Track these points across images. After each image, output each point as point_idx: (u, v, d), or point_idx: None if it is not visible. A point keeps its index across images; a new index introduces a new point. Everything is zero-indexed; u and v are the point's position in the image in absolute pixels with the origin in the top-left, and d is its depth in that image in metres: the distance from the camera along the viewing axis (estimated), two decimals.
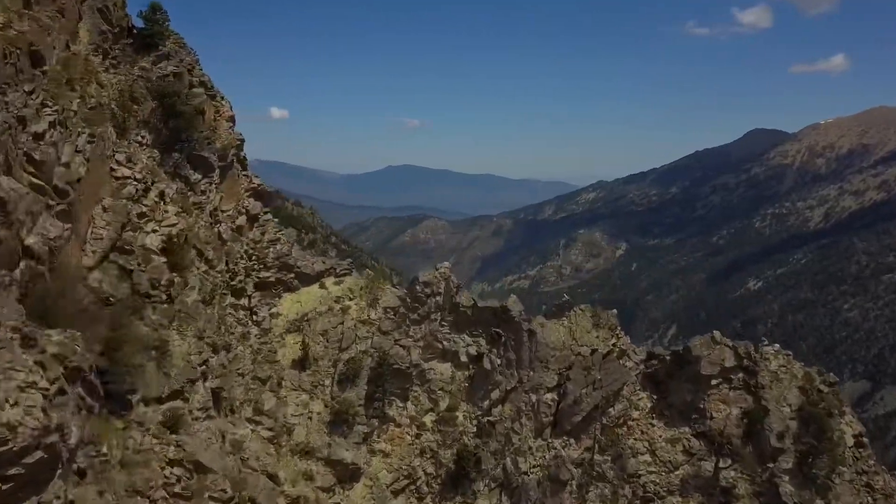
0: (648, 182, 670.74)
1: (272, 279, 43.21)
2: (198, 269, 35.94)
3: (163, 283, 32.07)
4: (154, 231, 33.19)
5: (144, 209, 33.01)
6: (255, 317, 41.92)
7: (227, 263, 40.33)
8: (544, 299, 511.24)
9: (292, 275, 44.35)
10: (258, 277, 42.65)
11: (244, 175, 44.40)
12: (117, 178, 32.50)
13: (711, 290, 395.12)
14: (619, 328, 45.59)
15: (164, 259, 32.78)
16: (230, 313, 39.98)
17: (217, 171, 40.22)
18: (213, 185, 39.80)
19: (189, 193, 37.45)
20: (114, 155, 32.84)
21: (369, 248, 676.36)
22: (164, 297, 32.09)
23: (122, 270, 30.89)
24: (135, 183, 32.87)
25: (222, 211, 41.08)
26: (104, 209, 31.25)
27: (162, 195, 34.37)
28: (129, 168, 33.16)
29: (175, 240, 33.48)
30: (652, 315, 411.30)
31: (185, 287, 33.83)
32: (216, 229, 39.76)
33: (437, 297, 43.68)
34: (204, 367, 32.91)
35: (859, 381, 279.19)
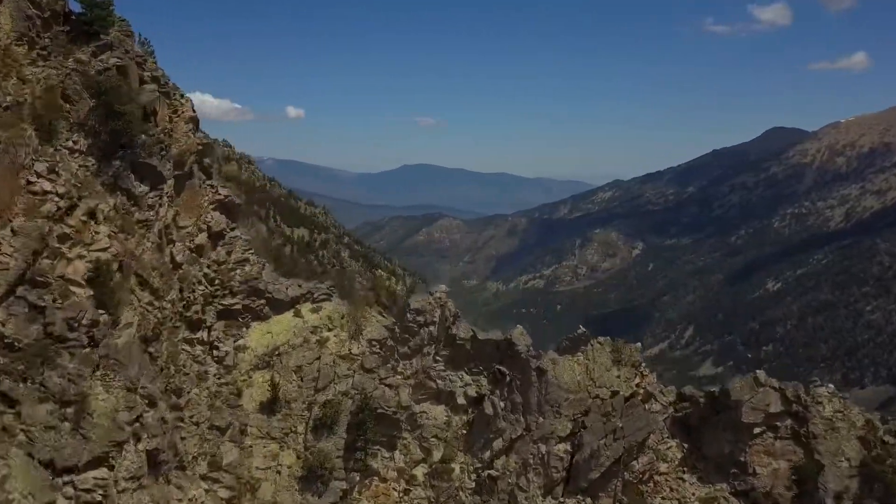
0: (665, 181, 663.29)
1: (238, 307, 36.95)
2: (139, 300, 29.81)
3: (84, 322, 26.00)
4: (80, 257, 26.99)
5: (67, 230, 26.80)
6: (215, 352, 35.62)
7: (181, 291, 34.13)
8: (559, 298, 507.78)
9: (262, 301, 37.96)
10: (221, 305, 36.43)
11: (208, 185, 38.00)
12: (35, 194, 26.35)
13: (729, 290, 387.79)
14: (643, 365, 38.61)
15: (89, 292, 26.73)
16: (184, 350, 33.85)
17: (171, 181, 33.90)
18: (166, 199, 33.38)
19: (133, 209, 31.00)
20: (32, 165, 26.84)
21: (383, 247, 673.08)
22: (86, 339, 26.01)
23: (32, 308, 24.94)
24: (56, 199, 26.67)
25: (179, 228, 34.89)
26: (13, 232, 25.23)
27: (92, 213, 28.22)
28: (51, 181, 26.92)
29: (106, 267, 27.41)
30: (668, 316, 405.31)
31: (117, 326, 27.77)
32: (168, 251, 33.53)
33: (431, 328, 37.10)
34: (136, 424, 26.83)
35: (882, 385, 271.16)
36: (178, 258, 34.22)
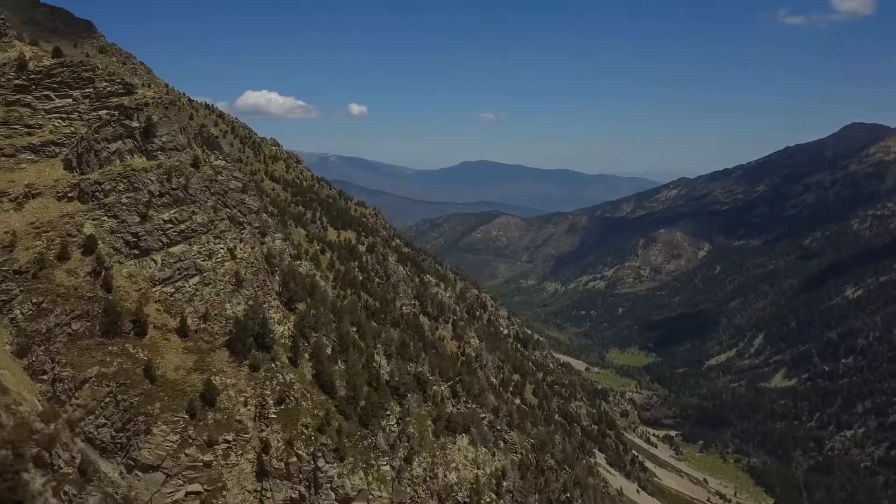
0: (734, 179, 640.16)
1: None
2: None
3: None
4: None
5: None
6: None
7: None
8: (621, 301, 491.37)
9: None
10: None
11: None
12: None
13: (803, 297, 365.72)
14: None
15: None
16: None
17: None
18: None
19: None
20: None
21: (441, 244, 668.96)
22: None
23: None
24: None
25: None
26: None
27: None
28: None
29: None
30: (736, 322, 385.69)
31: None
32: None
33: None
34: None
35: None
36: None
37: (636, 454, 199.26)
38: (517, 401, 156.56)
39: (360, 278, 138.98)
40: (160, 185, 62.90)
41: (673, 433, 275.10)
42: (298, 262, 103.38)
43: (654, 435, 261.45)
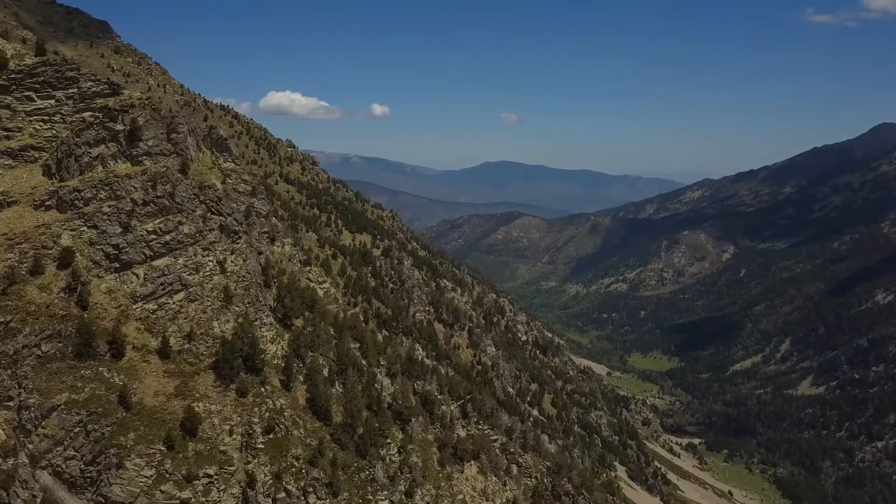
0: (760, 180, 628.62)
1: None
2: None
3: None
4: None
5: None
6: None
7: None
8: (643, 304, 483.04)
9: None
10: None
11: None
12: None
13: (831, 301, 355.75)
14: None
15: None
16: None
17: None
18: None
19: None
20: None
21: (461, 245, 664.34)
22: None
23: None
24: None
25: None
26: None
27: None
28: None
29: None
30: (762, 327, 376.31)
31: None
32: None
33: None
34: None
35: None
36: None
37: (658, 465, 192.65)
38: (535, 412, 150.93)
39: (373, 284, 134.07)
40: (144, 193, 58.31)
41: (696, 441, 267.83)
42: (308, 269, 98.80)
43: (676, 443, 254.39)
